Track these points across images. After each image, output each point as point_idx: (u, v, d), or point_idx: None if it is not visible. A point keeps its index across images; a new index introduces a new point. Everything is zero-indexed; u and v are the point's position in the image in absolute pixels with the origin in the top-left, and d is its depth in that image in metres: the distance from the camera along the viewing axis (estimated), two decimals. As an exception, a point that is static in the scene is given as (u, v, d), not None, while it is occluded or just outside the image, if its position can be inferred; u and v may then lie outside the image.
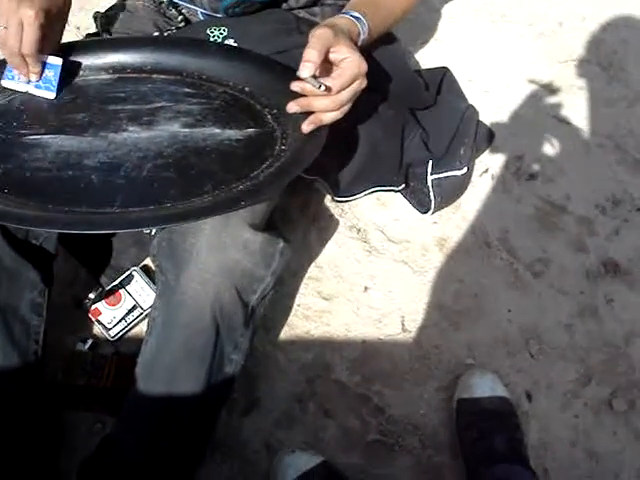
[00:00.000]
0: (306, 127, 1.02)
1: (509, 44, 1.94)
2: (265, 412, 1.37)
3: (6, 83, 1.14)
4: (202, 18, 1.37)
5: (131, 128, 1.09)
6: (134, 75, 1.22)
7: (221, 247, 1.06)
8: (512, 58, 1.91)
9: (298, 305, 1.50)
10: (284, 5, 1.36)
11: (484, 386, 1.34)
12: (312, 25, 1.30)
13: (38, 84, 1.13)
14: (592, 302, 1.51)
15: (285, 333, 1.46)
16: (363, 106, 1.36)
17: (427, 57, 1.91)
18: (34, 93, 1.15)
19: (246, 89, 1.18)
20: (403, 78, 1.44)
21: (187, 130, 1.09)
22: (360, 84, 1.02)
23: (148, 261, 1.48)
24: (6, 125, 1.10)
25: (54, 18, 1.08)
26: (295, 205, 1.60)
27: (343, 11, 1.12)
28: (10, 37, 1.03)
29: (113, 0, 1.50)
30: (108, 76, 1.22)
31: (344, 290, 1.52)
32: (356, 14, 1.10)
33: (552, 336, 1.47)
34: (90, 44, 1.30)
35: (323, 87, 0.98)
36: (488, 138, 1.68)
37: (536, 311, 1.50)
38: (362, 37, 1.11)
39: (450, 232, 1.60)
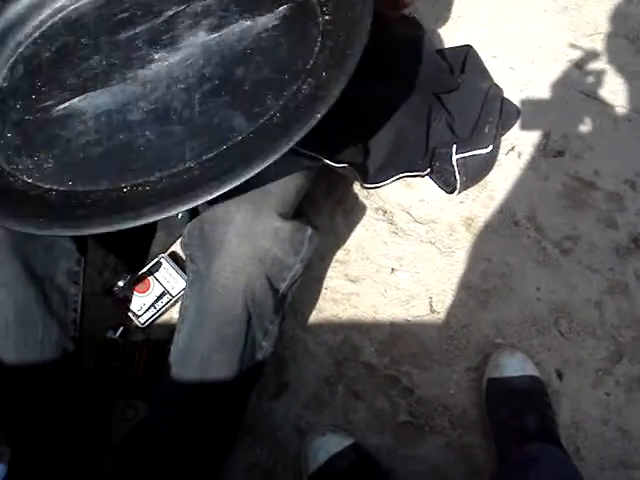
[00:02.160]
0: None
1: (533, 19, 1.91)
2: (295, 395, 1.38)
3: None
4: None
5: (157, 55, 0.98)
6: None
7: (252, 236, 1.07)
8: (537, 33, 1.88)
9: (326, 288, 1.50)
10: None
11: (514, 365, 1.33)
12: None
13: None
14: (622, 279, 1.49)
15: (313, 316, 1.47)
16: (389, 93, 1.37)
17: (450, 35, 1.89)
18: None
19: None
20: (428, 64, 1.44)
21: (216, 35, 0.97)
22: None
23: (175, 248, 1.50)
24: (24, 101, 1.01)
25: None
26: (320, 189, 1.60)
27: None
28: None
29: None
30: None
31: (371, 272, 1.52)
32: None
33: (582, 314, 1.45)
34: None
35: None
36: (514, 116, 1.66)
37: (565, 289, 1.48)
38: None
39: (477, 211, 1.59)
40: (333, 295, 1.49)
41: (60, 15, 1.10)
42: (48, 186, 0.90)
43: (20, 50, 1.08)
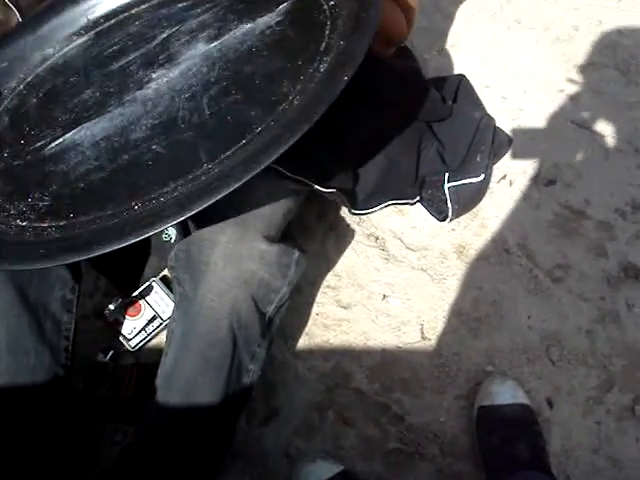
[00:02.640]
0: None
1: (525, 49, 1.93)
2: (285, 421, 1.37)
3: None
4: None
5: (154, 75, 0.93)
6: (111, 22, 1.05)
7: (237, 258, 1.07)
8: (529, 63, 1.90)
9: (317, 314, 1.50)
10: None
11: (505, 393, 1.33)
12: None
13: None
14: (613, 307, 1.50)
15: (304, 342, 1.46)
16: (381, 121, 1.38)
17: (443, 64, 1.91)
18: None
19: None
20: (421, 94, 1.45)
21: (216, 43, 0.93)
22: None
23: (167, 272, 1.49)
24: (12, 149, 0.95)
25: None
26: (312, 214, 1.60)
27: None
28: None
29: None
30: (84, 39, 1.05)
31: (362, 298, 1.52)
32: None
33: (573, 342, 1.45)
34: (39, 15, 1.09)
35: None
36: (506, 144, 1.67)
37: (556, 317, 1.48)
38: None
39: (468, 239, 1.59)
40: (324, 321, 1.49)
41: (46, 64, 1.06)
42: (46, 224, 0.84)
43: (4, 103, 1.04)
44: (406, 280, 1.54)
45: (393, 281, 1.53)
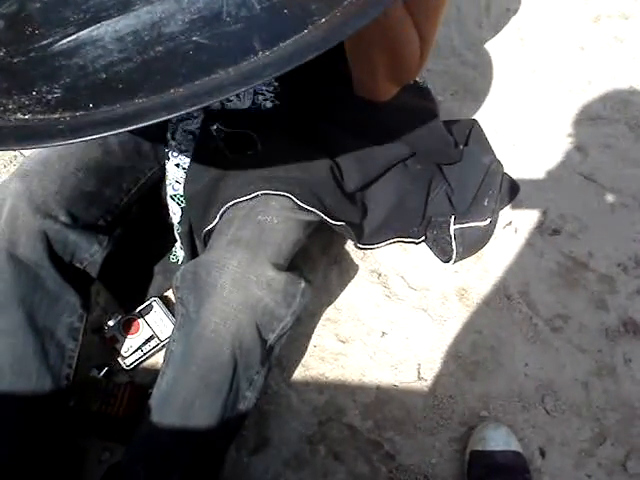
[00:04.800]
0: None
1: (538, 99, 1.95)
2: (275, 452, 1.36)
3: None
4: None
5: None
6: None
7: (245, 283, 1.07)
8: (540, 113, 1.92)
9: (314, 346, 1.49)
10: None
11: (498, 439, 1.32)
12: None
13: None
14: (610, 361, 1.49)
15: (300, 373, 1.46)
16: (394, 158, 1.39)
17: (456, 108, 1.93)
18: None
19: None
20: (435, 137, 1.46)
21: None
22: None
23: (168, 293, 1.49)
24: (9, 46, 0.80)
25: None
26: (317, 246, 1.61)
27: None
28: None
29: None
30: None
31: (361, 334, 1.51)
32: None
33: (568, 393, 1.45)
34: None
35: None
36: (513, 191, 1.68)
37: (553, 367, 1.48)
38: None
39: (471, 282, 1.59)
40: (321, 353, 1.48)
41: None
42: (57, 115, 0.74)
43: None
44: (406, 319, 1.53)
45: (393, 319, 1.53)
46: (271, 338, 1.13)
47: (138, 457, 1.13)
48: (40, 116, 0.74)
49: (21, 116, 0.74)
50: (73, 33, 0.77)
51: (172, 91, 0.69)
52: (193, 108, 0.65)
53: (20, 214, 1.12)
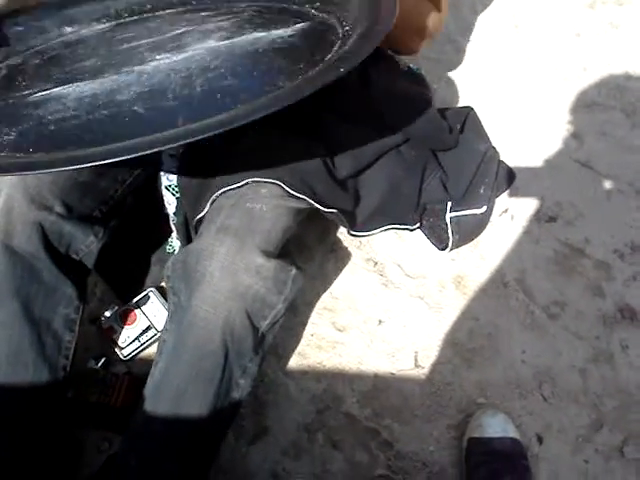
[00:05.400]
0: None
1: (533, 86, 1.95)
2: (273, 441, 1.36)
3: None
4: None
5: (159, 56, 0.95)
6: (135, 18, 1.09)
7: (234, 271, 1.07)
8: (536, 100, 1.92)
9: (312, 335, 1.49)
10: None
11: (496, 426, 1.33)
12: None
13: None
14: (607, 347, 1.50)
15: (297, 362, 1.46)
16: (386, 144, 1.38)
17: (451, 95, 1.92)
18: None
19: None
20: (429, 123, 1.45)
21: (227, 42, 0.95)
22: None
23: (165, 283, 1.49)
24: (6, 91, 0.98)
25: None
26: (313, 234, 1.60)
27: None
28: None
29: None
30: (103, 26, 1.09)
31: (358, 322, 1.51)
32: None
33: (565, 380, 1.45)
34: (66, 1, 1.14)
35: None
36: (509, 179, 1.68)
37: (550, 354, 1.48)
38: None
39: (467, 270, 1.59)
40: (318, 342, 1.49)
41: (60, 39, 1.11)
42: (3, 154, 0.84)
43: (8, 61, 1.08)
44: (403, 307, 1.54)
45: (390, 307, 1.53)
46: (263, 325, 1.13)
47: (132, 447, 1.13)
48: None
49: None
50: (49, 89, 0.94)
51: (95, 148, 0.77)
52: (106, 161, 0.72)
53: (15, 205, 1.12)
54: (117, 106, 0.87)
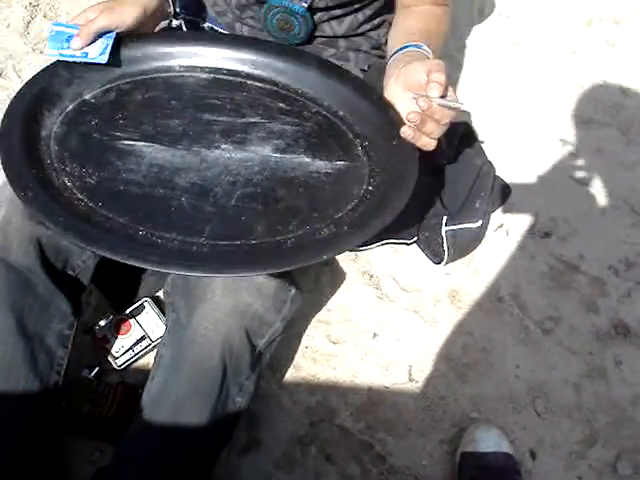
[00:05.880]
0: (406, 131, 1.00)
1: (530, 103, 1.96)
2: (266, 452, 1.36)
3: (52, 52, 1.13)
4: None
5: (224, 146, 1.08)
6: (230, 78, 1.20)
7: (236, 289, 1.08)
8: (532, 117, 1.93)
9: (306, 347, 1.49)
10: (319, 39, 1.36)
11: (489, 441, 1.32)
12: None
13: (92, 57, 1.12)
14: (601, 363, 1.50)
15: (291, 374, 1.46)
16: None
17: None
18: (85, 60, 1.13)
19: (340, 113, 1.16)
20: None
21: (278, 155, 1.07)
22: (446, 128, 1.03)
23: (160, 293, 1.49)
24: (101, 124, 1.10)
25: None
26: (309, 247, 1.60)
27: (412, 44, 1.14)
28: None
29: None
30: (205, 75, 1.20)
31: (353, 335, 1.51)
32: (426, 48, 1.13)
33: (559, 395, 1.45)
34: (186, 37, 1.28)
35: (463, 106, 0.98)
36: (504, 194, 1.68)
37: (544, 369, 1.49)
38: None
39: (462, 284, 1.60)
40: (313, 355, 1.48)
41: (165, 74, 1.20)
42: (80, 196, 0.99)
43: (120, 82, 1.17)
44: (398, 320, 1.54)
45: (385, 320, 1.53)
46: (260, 344, 1.14)
47: (128, 460, 1.12)
48: (74, 190, 1.00)
49: (66, 182, 1.01)
50: (135, 140, 1.08)
51: (140, 228, 0.96)
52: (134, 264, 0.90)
53: (13, 220, 1.11)
54: (172, 189, 1.01)
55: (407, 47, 1.13)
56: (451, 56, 2.06)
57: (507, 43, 2.13)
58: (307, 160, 1.07)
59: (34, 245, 1.12)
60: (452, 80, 2.00)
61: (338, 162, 1.08)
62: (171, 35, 1.30)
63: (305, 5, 1.24)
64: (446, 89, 0.98)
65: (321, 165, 1.07)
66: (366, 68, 1.38)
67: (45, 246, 1.14)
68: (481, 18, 2.19)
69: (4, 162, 0.99)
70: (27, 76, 1.22)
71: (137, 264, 0.89)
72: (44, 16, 2.06)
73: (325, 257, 0.93)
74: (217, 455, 1.19)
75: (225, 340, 1.08)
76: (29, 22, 2.05)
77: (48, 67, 1.14)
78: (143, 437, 1.13)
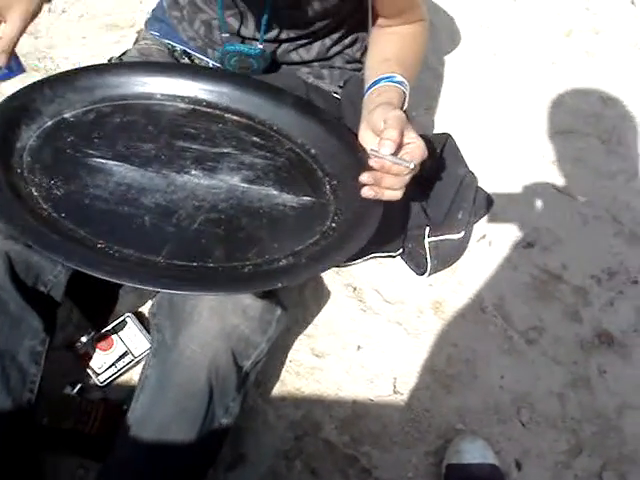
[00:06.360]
0: (366, 192, 0.99)
1: (511, 114, 1.97)
2: (251, 468, 1.35)
3: None
4: None
5: (193, 172, 1.09)
6: (208, 110, 1.22)
7: (222, 311, 1.08)
8: (514, 127, 1.94)
9: (290, 361, 1.49)
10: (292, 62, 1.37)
11: (474, 452, 1.32)
12: (321, 93, 1.33)
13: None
14: (585, 372, 1.50)
15: (276, 388, 1.45)
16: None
17: (430, 122, 1.94)
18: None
19: (312, 151, 1.18)
20: None
21: (246, 185, 1.08)
22: (417, 169, 1.00)
23: (143, 308, 1.48)
24: (76, 141, 1.10)
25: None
26: (292, 260, 1.60)
27: (385, 76, 1.13)
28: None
29: (124, 46, 1.52)
30: (184, 105, 1.22)
31: (337, 348, 1.51)
32: (399, 79, 1.12)
33: (544, 405, 1.46)
34: (170, 68, 1.30)
35: (412, 165, 0.95)
36: (487, 205, 1.69)
37: (529, 379, 1.49)
38: (406, 101, 1.13)
39: (446, 295, 1.60)
40: (297, 368, 1.48)
41: (146, 101, 1.21)
42: (45, 206, 0.98)
43: (101, 105, 1.18)
44: (382, 333, 1.53)
45: (369, 333, 1.53)
46: (246, 365, 1.13)
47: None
48: (40, 200, 1.00)
49: (33, 192, 1.00)
50: (107, 159, 1.09)
51: (99, 242, 0.96)
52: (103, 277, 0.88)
53: None
54: (136, 208, 1.02)
55: (378, 82, 1.13)
56: (433, 68, 2.07)
57: (487, 54, 2.14)
58: (274, 193, 1.09)
59: (3, 260, 1.11)
60: (432, 91, 2.01)
61: (305, 197, 1.09)
62: (155, 65, 1.32)
63: (260, 47, 1.27)
64: (400, 146, 0.97)
65: (288, 199, 1.08)
66: (342, 84, 1.38)
67: (14, 261, 1.13)
68: (461, 29, 2.20)
69: None
70: (8, 91, 1.21)
71: (89, 272, 0.88)
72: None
73: (280, 285, 0.92)
74: (204, 475, 1.18)
75: (212, 362, 1.07)
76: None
77: (33, 84, 1.15)
78: (128, 459, 1.11)
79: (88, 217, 0.99)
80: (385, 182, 0.99)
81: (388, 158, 0.95)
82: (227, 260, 0.97)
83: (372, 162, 0.97)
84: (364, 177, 0.98)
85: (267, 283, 0.94)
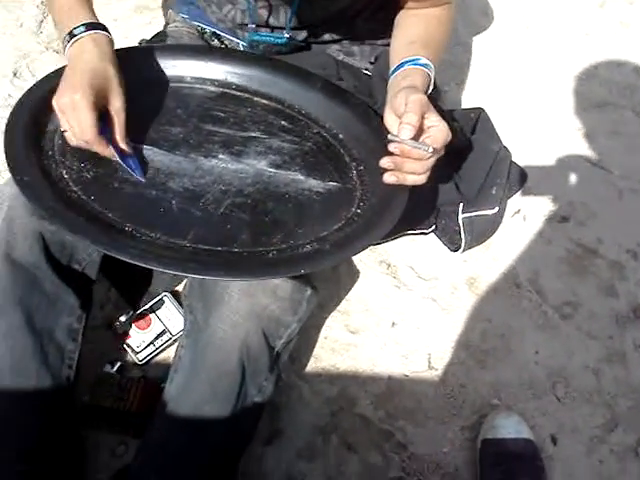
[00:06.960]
0: (388, 178, 1.00)
1: (544, 86, 1.95)
2: (287, 443, 1.37)
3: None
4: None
5: (221, 156, 1.10)
6: (237, 93, 1.23)
7: (252, 292, 1.09)
8: (547, 100, 1.92)
9: (325, 338, 1.50)
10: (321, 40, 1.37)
11: (509, 427, 1.33)
12: (352, 71, 1.33)
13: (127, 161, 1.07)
14: (620, 347, 1.50)
15: (311, 365, 1.46)
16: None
17: (463, 97, 1.93)
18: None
19: (340, 136, 1.18)
20: None
21: (273, 170, 1.09)
22: (442, 152, 1.00)
23: (179, 287, 1.50)
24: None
25: (107, 90, 1.04)
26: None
27: (410, 59, 1.12)
28: (73, 132, 1.02)
29: (155, 28, 1.52)
30: (213, 88, 1.23)
31: (372, 325, 1.52)
32: (424, 61, 1.11)
33: (579, 380, 1.46)
34: (201, 50, 1.30)
35: (431, 149, 0.94)
36: (521, 179, 1.67)
37: (563, 354, 1.49)
38: (431, 83, 1.12)
39: (480, 271, 1.60)
40: (332, 345, 1.49)
41: (176, 84, 1.23)
42: (75, 189, 1.01)
43: (130, 88, 1.14)
44: (416, 309, 1.54)
45: (403, 309, 1.54)
46: (278, 345, 1.14)
47: (149, 463, 1.13)
48: (70, 182, 1.02)
49: (64, 174, 1.03)
50: (137, 142, 1.09)
51: (127, 225, 0.98)
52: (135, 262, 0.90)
53: (16, 216, 1.12)
54: (164, 191, 1.03)
55: (403, 65, 1.12)
56: (464, 42, 2.05)
57: (519, 26, 2.12)
58: (300, 178, 1.09)
59: (38, 241, 1.13)
60: (464, 66, 1.99)
61: (331, 183, 1.10)
62: (184, 47, 1.33)
63: (287, 35, 1.28)
64: (420, 130, 0.97)
65: (314, 184, 1.09)
66: (373, 60, 1.37)
67: (49, 241, 1.15)
68: (492, 2, 2.18)
69: (7, 147, 1.01)
70: (41, 75, 1.23)
71: (115, 255, 0.90)
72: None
73: (302, 271, 0.93)
74: (241, 452, 1.20)
75: (243, 343, 1.09)
76: (41, 21, 2.07)
77: (64, 66, 1.13)
78: (166, 439, 1.14)
79: (116, 200, 1.01)
80: (406, 167, 0.99)
81: (408, 142, 0.95)
82: (252, 245, 0.98)
83: (392, 147, 0.97)
84: (384, 161, 0.99)
85: (290, 269, 0.95)
